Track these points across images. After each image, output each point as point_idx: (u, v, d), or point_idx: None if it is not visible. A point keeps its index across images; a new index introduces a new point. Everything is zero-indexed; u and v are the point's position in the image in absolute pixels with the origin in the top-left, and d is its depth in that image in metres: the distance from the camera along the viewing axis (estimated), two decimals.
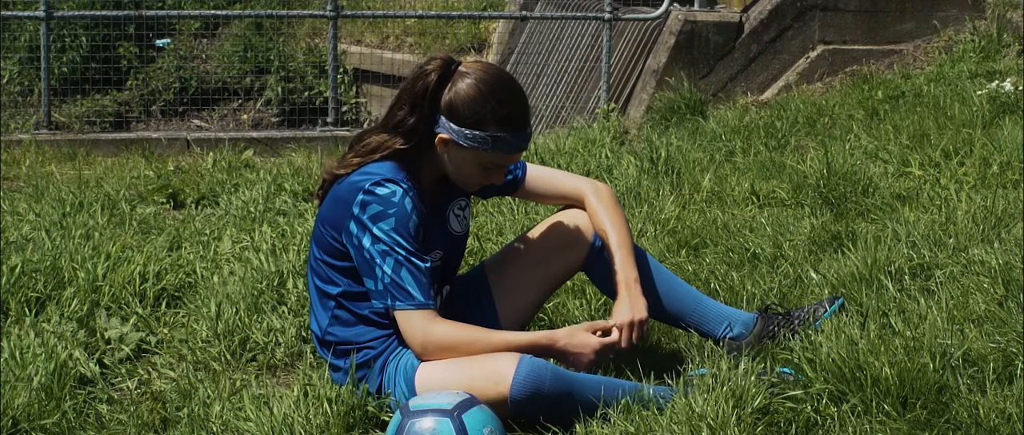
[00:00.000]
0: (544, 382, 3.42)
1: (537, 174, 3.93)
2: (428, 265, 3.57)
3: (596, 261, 3.88)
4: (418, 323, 3.54)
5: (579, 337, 3.61)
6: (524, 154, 6.04)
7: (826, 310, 3.99)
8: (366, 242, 3.54)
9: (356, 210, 3.55)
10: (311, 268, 3.75)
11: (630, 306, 3.68)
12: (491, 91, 3.56)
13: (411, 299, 3.54)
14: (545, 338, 3.61)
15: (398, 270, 3.53)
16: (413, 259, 3.54)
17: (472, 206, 4.00)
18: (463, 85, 3.56)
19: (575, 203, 3.91)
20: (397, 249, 3.53)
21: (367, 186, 3.55)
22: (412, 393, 3.56)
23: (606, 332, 3.64)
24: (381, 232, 3.53)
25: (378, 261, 3.54)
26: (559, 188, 3.92)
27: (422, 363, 3.58)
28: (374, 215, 3.53)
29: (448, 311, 3.78)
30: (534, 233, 3.95)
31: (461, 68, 3.59)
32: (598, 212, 3.85)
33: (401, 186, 3.56)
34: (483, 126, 3.55)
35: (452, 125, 3.57)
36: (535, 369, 3.43)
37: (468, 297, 3.88)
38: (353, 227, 3.56)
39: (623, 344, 3.65)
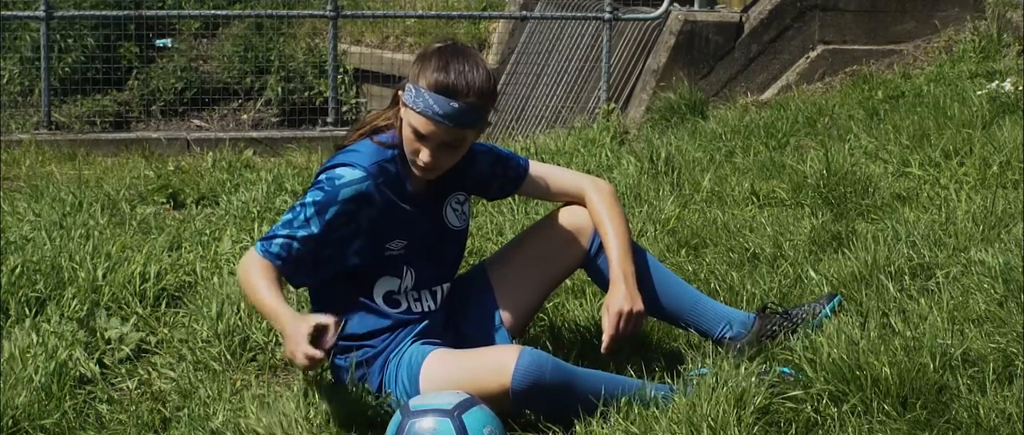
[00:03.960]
0: (545, 373, 3.43)
1: (539, 171, 3.92)
2: (304, 245, 3.53)
3: (596, 257, 3.89)
4: (247, 259, 3.55)
5: (297, 331, 3.38)
6: (523, 153, 6.03)
7: (824, 308, 4.00)
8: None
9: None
10: None
11: (626, 297, 3.69)
12: (442, 53, 3.56)
13: (268, 244, 3.54)
14: (285, 320, 3.43)
15: (284, 226, 3.55)
16: (300, 233, 3.53)
17: (471, 204, 3.99)
18: (429, 49, 3.60)
19: (576, 200, 3.91)
20: (299, 214, 3.54)
21: (329, 163, 3.62)
22: (414, 387, 3.57)
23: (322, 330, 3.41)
24: (308, 196, 3.58)
25: (285, 214, 3.58)
26: (561, 185, 3.92)
27: (426, 359, 3.59)
28: (315, 183, 3.61)
29: (449, 309, 3.79)
30: (534, 231, 3.95)
31: None
32: (598, 208, 3.85)
33: (362, 170, 3.58)
34: (417, 80, 3.56)
35: (409, 85, 3.59)
36: (536, 360, 3.44)
37: (469, 296, 3.88)
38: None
39: (610, 332, 3.65)
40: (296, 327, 3.34)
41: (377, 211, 3.61)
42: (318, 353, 3.29)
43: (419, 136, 3.55)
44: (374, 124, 3.71)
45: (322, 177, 3.60)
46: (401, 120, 3.62)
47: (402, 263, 3.71)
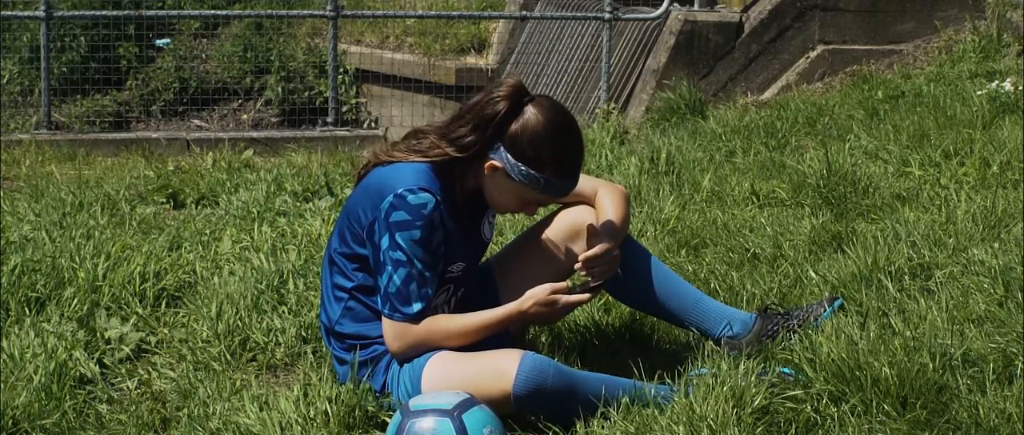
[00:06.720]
0: (547, 378, 3.43)
1: None
2: (433, 291, 3.60)
3: None
4: (400, 331, 3.60)
5: (543, 297, 3.64)
6: None
7: (825, 310, 4.00)
8: (384, 245, 3.56)
9: (382, 213, 3.57)
10: (329, 259, 3.76)
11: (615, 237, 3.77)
12: (558, 136, 3.60)
13: (409, 309, 3.57)
14: (514, 309, 3.64)
15: (408, 283, 3.56)
16: (426, 274, 3.57)
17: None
18: (532, 122, 3.59)
19: (589, 201, 3.93)
20: (415, 262, 3.55)
21: (400, 190, 3.56)
22: (416, 389, 3.57)
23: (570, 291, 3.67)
24: (402, 241, 3.55)
25: (389, 268, 3.55)
26: (581, 189, 3.94)
27: (428, 362, 3.59)
28: (399, 222, 3.55)
29: (458, 310, 3.79)
30: (536, 231, 3.96)
31: (532, 104, 3.61)
32: (604, 200, 3.88)
33: (435, 197, 3.58)
34: (540, 167, 3.60)
35: (509, 156, 3.59)
36: (537, 366, 3.44)
37: (474, 296, 3.88)
38: (376, 227, 3.59)
39: (594, 253, 3.68)
40: (535, 294, 3.61)
41: (443, 234, 3.63)
42: (582, 297, 3.65)
43: (537, 202, 3.72)
44: (428, 156, 3.66)
45: (401, 211, 3.55)
46: (487, 178, 3.65)
47: (451, 283, 3.75)
